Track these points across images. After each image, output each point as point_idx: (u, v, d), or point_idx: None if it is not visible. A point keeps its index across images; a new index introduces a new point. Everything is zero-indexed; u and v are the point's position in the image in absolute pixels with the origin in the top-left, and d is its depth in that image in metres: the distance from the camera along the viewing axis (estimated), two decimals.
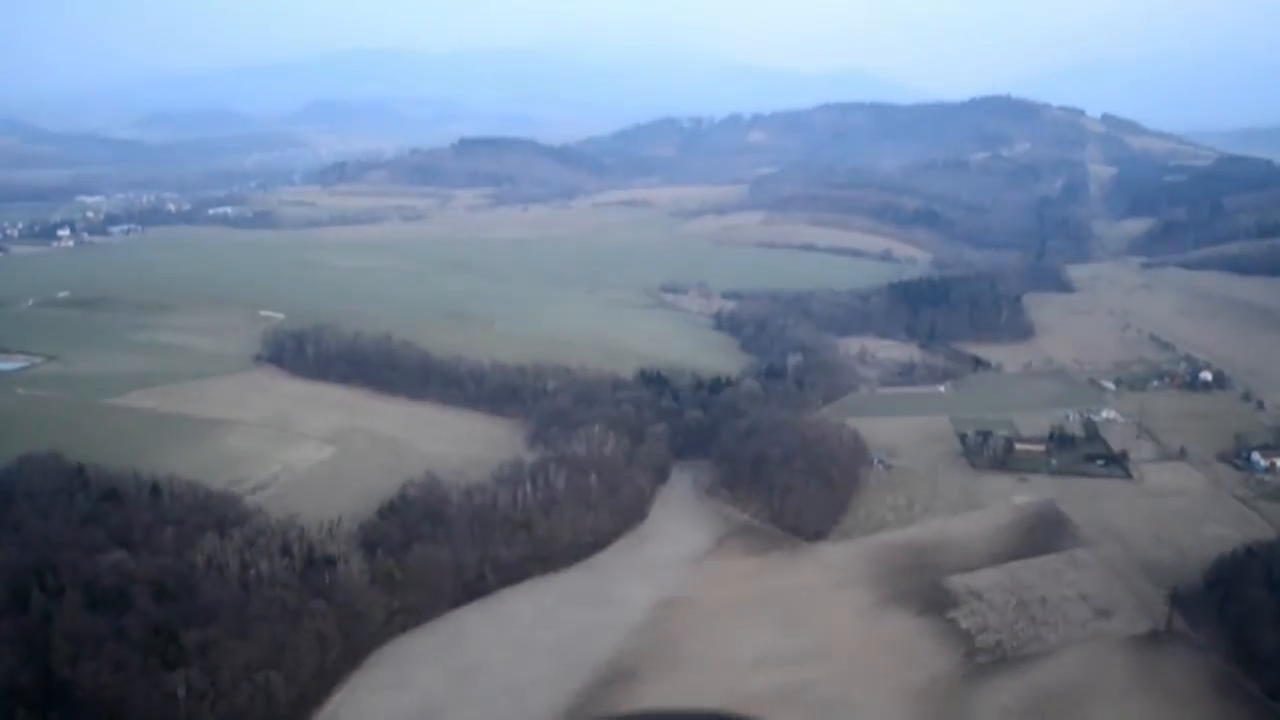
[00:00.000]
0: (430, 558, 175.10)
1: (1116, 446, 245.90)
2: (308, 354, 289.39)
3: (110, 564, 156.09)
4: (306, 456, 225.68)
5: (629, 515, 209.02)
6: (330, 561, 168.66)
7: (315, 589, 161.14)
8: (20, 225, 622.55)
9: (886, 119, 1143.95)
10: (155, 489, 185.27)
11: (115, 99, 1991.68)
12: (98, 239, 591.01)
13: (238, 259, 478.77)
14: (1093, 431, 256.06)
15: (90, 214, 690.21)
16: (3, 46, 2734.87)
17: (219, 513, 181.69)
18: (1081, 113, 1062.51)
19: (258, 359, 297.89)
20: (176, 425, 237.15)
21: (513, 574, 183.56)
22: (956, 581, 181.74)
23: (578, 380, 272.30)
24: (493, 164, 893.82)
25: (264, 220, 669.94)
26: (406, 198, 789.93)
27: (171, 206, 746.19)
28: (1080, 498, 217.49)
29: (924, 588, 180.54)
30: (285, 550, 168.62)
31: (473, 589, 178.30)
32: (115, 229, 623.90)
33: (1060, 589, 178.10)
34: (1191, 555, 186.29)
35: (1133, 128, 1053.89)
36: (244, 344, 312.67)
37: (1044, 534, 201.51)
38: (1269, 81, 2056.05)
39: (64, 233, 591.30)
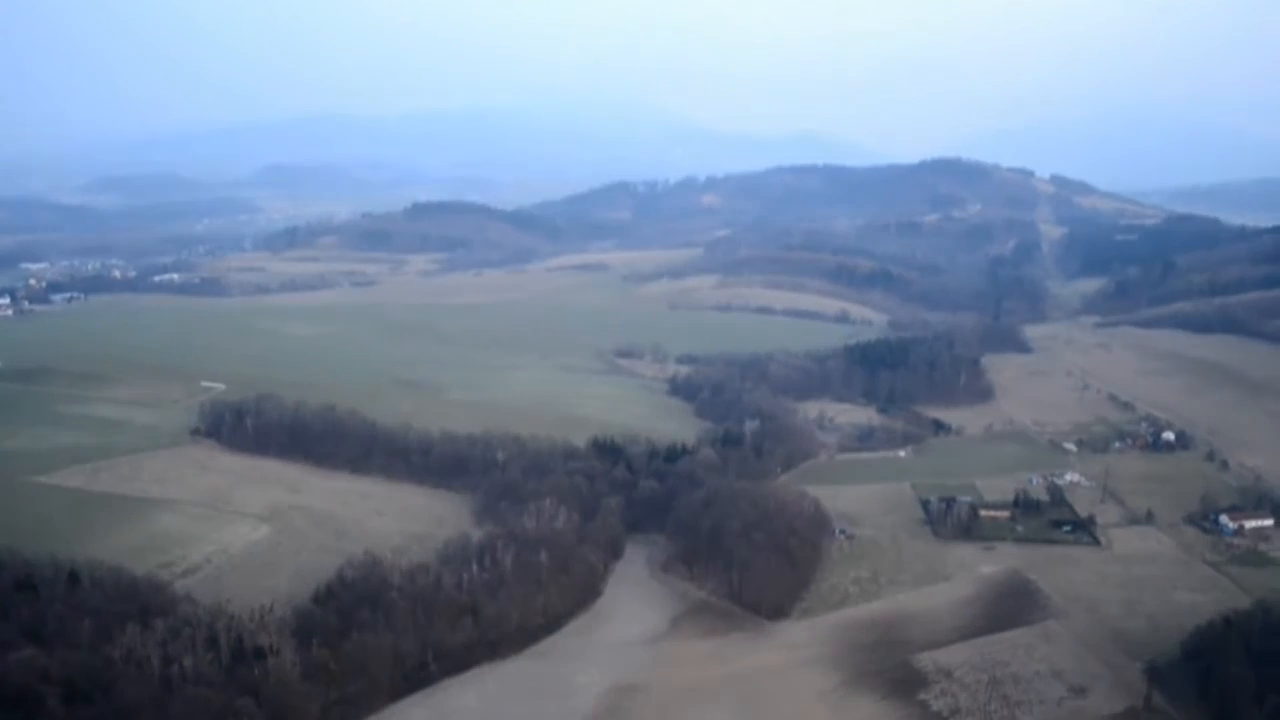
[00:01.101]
0: (368, 646, 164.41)
1: (1082, 511, 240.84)
2: (247, 427, 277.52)
3: (20, 661, 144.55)
4: (241, 536, 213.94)
5: (581, 594, 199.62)
6: (260, 654, 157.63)
7: (243, 685, 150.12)
8: None
9: (840, 181, 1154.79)
10: (73, 576, 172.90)
11: (64, 163, 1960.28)
12: (39, 307, 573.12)
13: (182, 327, 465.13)
14: (1058, 496, 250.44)
15: (33, 281, 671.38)
16: None
17: (142, 601, 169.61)
18: (1031, 173, 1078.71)
19: (195, 433, 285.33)
20: (105, 505, 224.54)
21: (457, 662, 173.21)
22: (925, 659, 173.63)
23: (528, 450, 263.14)
24: (445, 228, 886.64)
25: (211, 287, 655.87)
26: (358, 263, 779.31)
27: (117, 274, 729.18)
28: (1048, 566, 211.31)
29: (891, 667, 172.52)
30: (212, 642, 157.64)
31: (414, 679, 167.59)
32: (57, 297, 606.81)
33: (1033, 664, 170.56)
34: (1165, 625, 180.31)
35: (1082, 188, 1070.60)
36: (182, 417, 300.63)
37: (1013, 605, 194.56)
38: (1201, 143, 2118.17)
39: (3, 301, 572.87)
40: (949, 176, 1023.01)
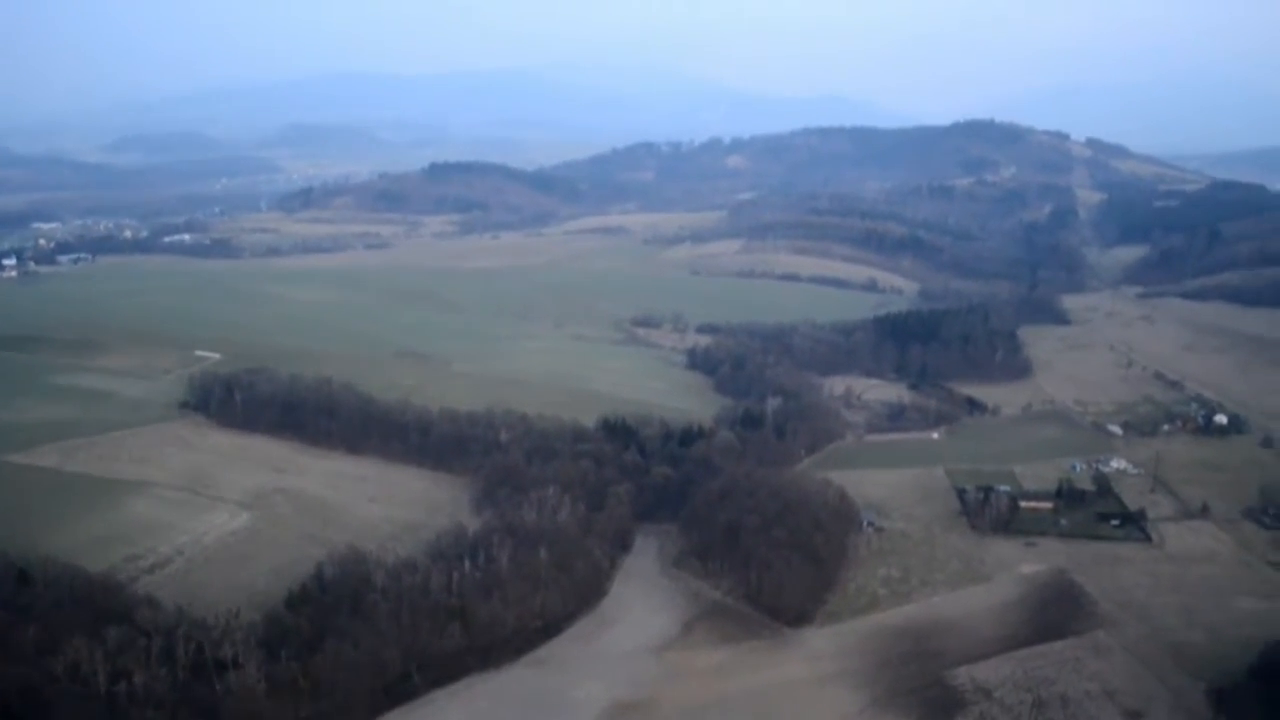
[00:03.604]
0: (344, 657, 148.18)
1: (1131, 503, 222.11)
2: (236, 401, 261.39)
3: None
4: (219, 525, 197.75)
5: (585, 594, 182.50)
6: (222, 667, 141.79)
7: (198, 704, 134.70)
8: None
9: (868, 143, 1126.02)
10: (23, 576, 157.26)
11: (88, 122, 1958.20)
12: (45, 269, 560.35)
13: (185, 292, 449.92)
14: (1104, 485, 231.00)
15: (42, 242, 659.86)
16: None
17: (97, 605, 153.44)
18: (1067, 137, 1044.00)
19: (184, 406, 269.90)
20: (77, 489, 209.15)
21: (444, 672, 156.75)
22: (962, 675, 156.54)
23: (534, 430, 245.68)
24: (464, 189, 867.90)
25: (222, 249, 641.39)
26: (373, 224, 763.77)
27: (128, 234, 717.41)
28: (1096, 566, 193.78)
29: (925, 685, 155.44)
30: (168, 654, 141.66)
31: (395, 692, 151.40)
32: (64, 258, 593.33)
33: (1082, 683, 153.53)
34: (1228, 638, 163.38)
35: (1119, 152, 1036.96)
36: (172, 389, 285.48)
37: (1059, 612, 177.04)
38: (1243, 107, 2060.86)
39: (9, 262, 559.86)
40: (982, 139, 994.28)
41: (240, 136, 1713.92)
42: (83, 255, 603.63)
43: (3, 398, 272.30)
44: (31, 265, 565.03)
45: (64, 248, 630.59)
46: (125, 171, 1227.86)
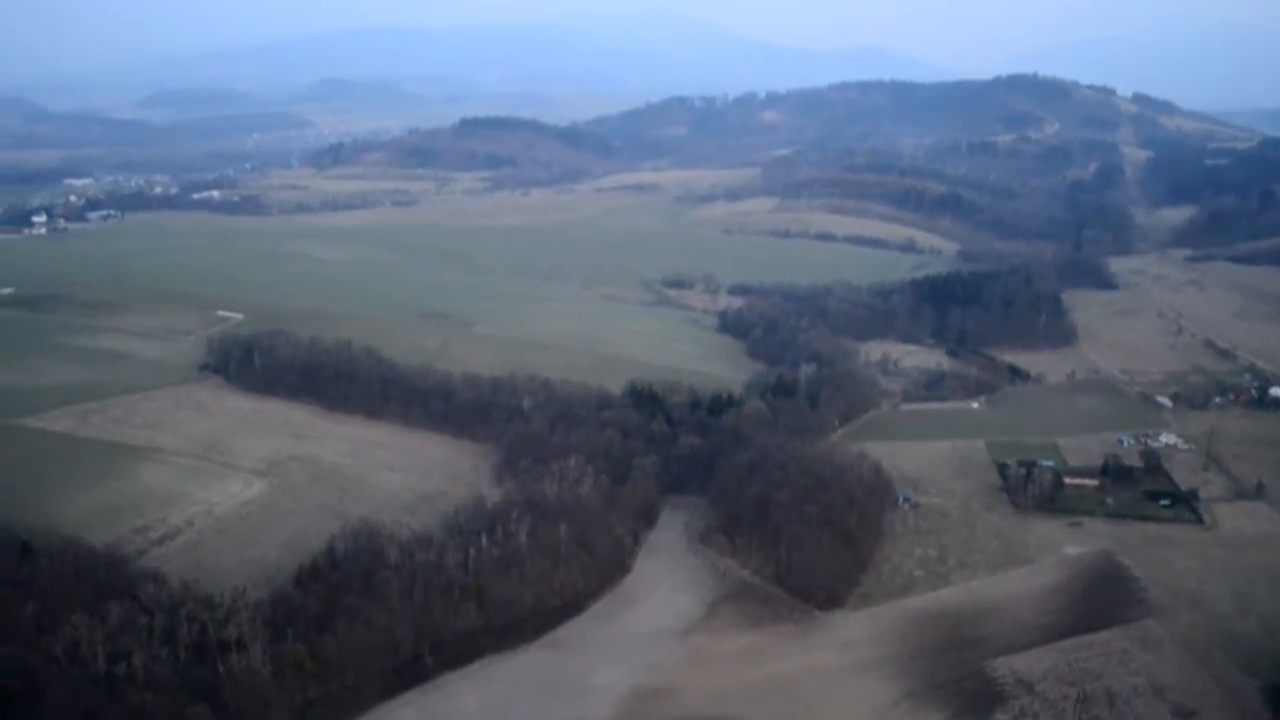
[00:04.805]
0: (354, 637, 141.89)
1: (1182, 481, 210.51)
2: (255, 364, 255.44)
3: None
4: (232, 495, 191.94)
5: (606, 571, 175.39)
6: (225, 648, 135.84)
7: (199, 687, 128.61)
8: None
9: (907, 98, 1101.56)
10: (26, 549, 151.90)
11: (120, 78, 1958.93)
12: (74, 226, 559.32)
13: (211, 250, 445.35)
14: (1153, 462, 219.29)
15: (72, 198, 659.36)
16: (11, 26, 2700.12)
17: (101, 580, 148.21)
18: (1113, 92, 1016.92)
19: (204, 369, 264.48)
20: (89, 455, 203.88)
21: (458, 654, 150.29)
22: (1002, 667, 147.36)
23: (558, 396, 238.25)
24: (494, 145, 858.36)
25: (250, 205, 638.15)
26: (402, 180, 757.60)
27: (158, 190, 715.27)
28: (1144, 548, 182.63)
29: (962, 676, 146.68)
30: (170, 634, 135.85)
31: (407, 675, 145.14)
32: (93, 215, 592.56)
33: (1129, 677, 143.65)
34: None
35: (1167, 108, 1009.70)
36: (192, 351, 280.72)
37: (1105, 599, 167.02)
38: None
39: (39, 219, 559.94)
40: (1024, 94, 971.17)
41: (271, 92, 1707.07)
42: (112, 212, 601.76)
43: (20, 359, 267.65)
44: (61, 222, 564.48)
45: (94, 204, 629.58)
46: (157, 128, 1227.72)
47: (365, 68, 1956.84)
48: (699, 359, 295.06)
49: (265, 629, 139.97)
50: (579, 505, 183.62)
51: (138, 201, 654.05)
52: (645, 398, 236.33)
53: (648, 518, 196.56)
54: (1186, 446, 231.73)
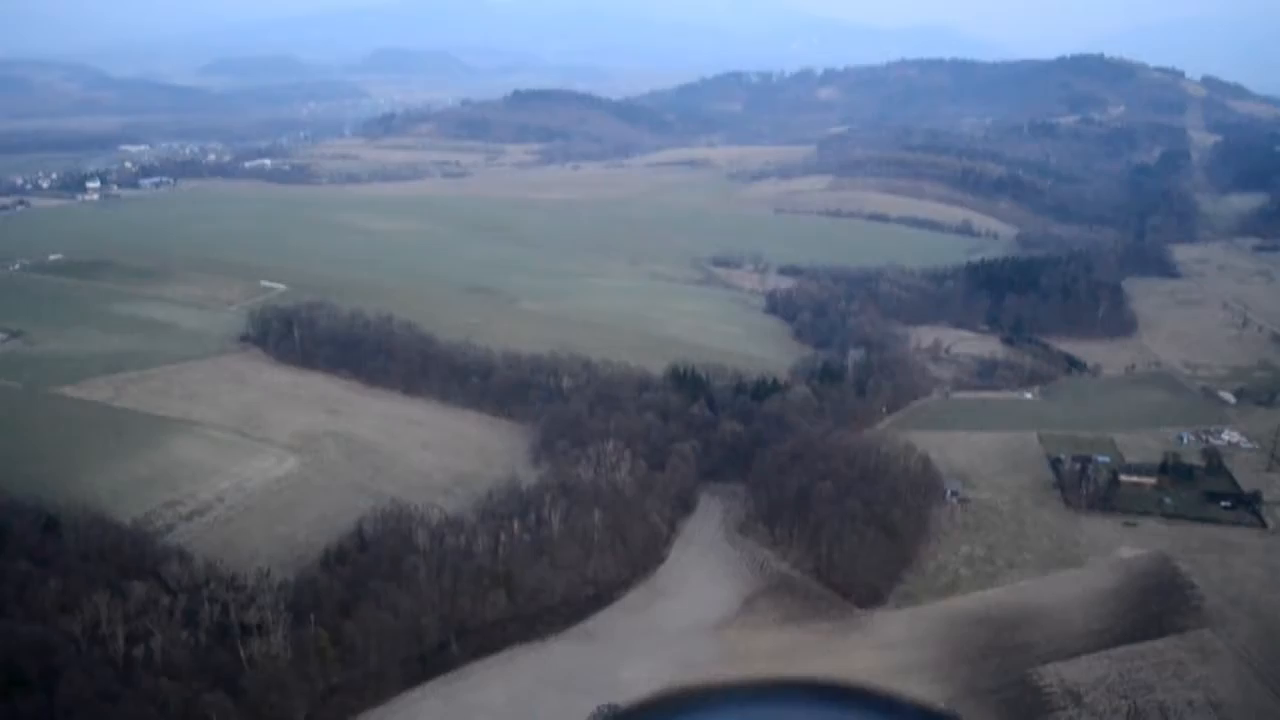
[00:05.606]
0: (379, 623, 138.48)
1: (1245, 482, 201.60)
2: (295, 336, 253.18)
3: None
4: (264, 470, 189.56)
5: (640, 560, 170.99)
6: (247, 632, 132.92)
7: (217, 673, 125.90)
8: (54, 176, 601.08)
9: (968, 77, 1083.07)
10: (50, 524, 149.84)
11: (182, 45, 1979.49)
12: (126, 192, 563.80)
13: (258, 219, 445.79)
14: (1215, 461, 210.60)
15: (127, 165, 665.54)
16: None
17: (125, 558, 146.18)
18: (1181, 74, 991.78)
19: (244, 340, 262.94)
20: (124, 426, 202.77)
21: (485, 643, 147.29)
22: (1049, 675, 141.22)
23: (598, 377, 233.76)
24: (546, 118, 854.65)
25: (301, 174, 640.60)
26: (453, 152, 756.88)
27: (211, 157, 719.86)
28: (1203, 552, 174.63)
29: (1006, 682, 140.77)
30: (191, 616, 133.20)
31: (432, 664, 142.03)
32: (146, 182, 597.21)
33: (1184, 690, 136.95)
34: None
35: (1238, 91, 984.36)
36: (234, 321, 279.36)
37: (1160, 605, 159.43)
38: None
39: (93, 185, 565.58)
40: (1088, 75, 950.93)
41: (329, 61, 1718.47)
42: (164, 179, 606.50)
43: (63, 326, 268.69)
44: (114, 188, 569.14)
45: (147, 171, 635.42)
46: (216, 95, 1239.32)
47: (424, 38, 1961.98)
48: (744, 340, 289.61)
49: (288, 612, 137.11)
50: (615, 491, 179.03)
51: (191, 169, 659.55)
52: (687, 380, 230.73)
53: (685, 505, 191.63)
54: (1250, 445, 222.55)
